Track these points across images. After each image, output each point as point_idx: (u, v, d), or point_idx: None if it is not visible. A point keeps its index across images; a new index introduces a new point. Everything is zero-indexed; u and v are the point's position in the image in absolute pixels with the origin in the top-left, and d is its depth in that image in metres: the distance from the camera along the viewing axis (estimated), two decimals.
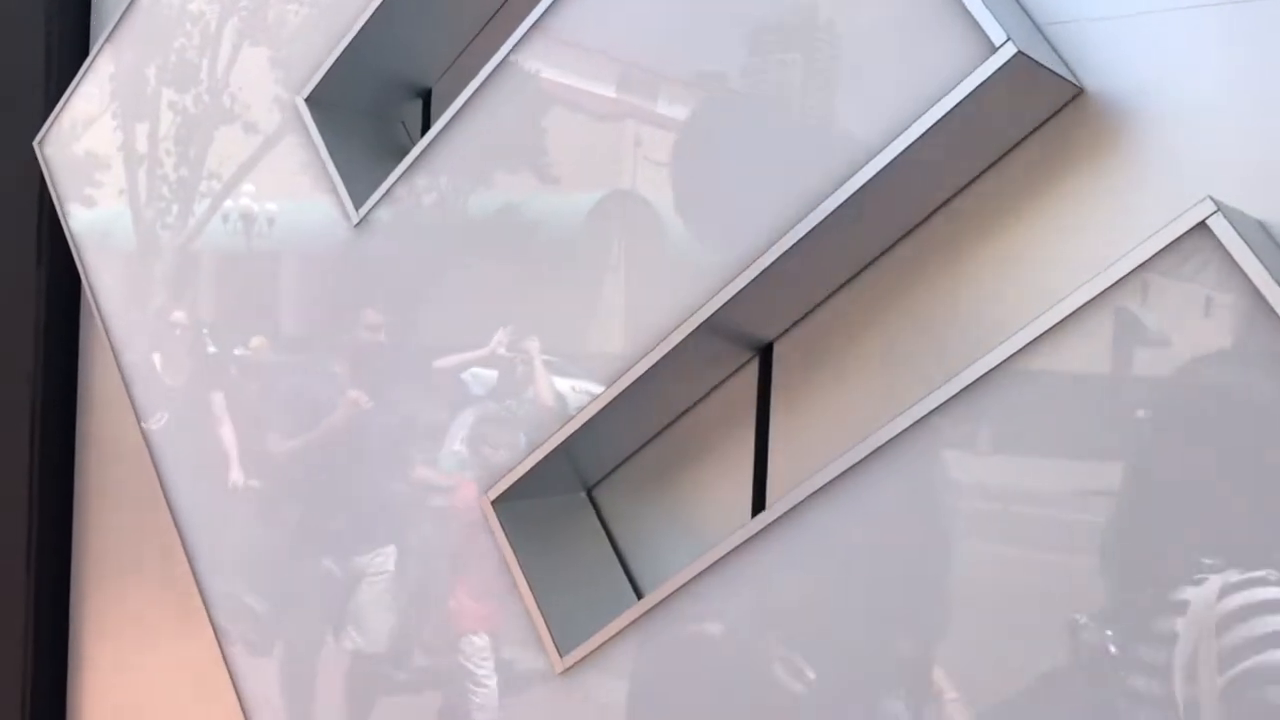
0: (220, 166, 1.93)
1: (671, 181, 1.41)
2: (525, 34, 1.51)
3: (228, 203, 1.92)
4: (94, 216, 2.16)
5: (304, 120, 1.80)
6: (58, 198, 2.18)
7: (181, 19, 2.01)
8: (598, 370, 1.45)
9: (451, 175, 1.62)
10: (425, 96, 1.91)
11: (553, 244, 1.52)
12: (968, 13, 1.19)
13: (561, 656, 1.47)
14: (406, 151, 1.85)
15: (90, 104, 2.15)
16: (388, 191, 1.68)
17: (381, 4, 1.70)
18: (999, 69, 1.17)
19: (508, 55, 1.53)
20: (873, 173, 1.24)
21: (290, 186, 1.84)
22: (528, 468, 1.52)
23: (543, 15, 1.50)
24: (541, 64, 1.51)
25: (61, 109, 2.20)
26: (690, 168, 1.40)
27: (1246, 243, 1.03)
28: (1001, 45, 1.17)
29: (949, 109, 1.20)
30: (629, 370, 1.42)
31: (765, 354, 1.53)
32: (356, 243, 1.72)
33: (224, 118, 1.94)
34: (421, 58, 1.84)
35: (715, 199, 1.38)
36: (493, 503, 1.55)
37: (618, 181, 1.45)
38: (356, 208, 1.72)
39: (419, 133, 1.91)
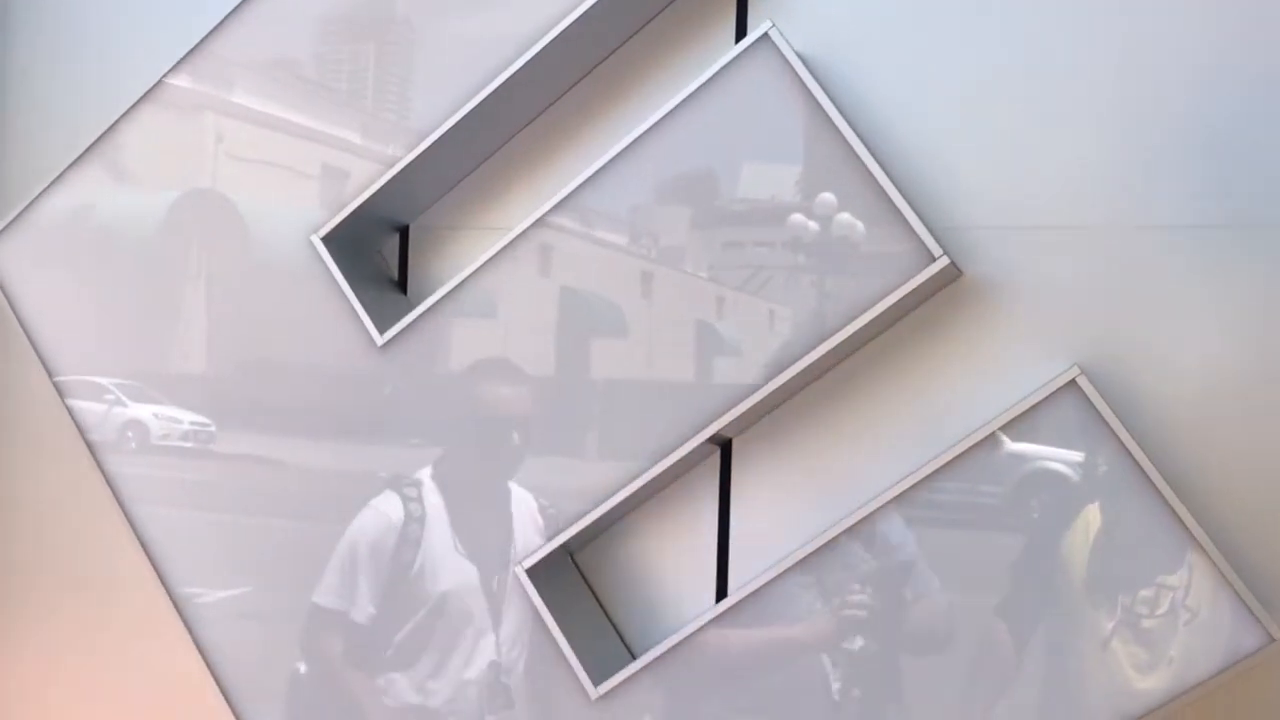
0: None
1: None
2: None
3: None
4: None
5: (322, 257, 2.15)
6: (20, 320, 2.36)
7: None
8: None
9: None
10: (403, 231, 2.30)
11: None
12: (911, 229, 1.80)
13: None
14: (389, 279, 2.27)
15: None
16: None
17: (410, 163, 2.09)
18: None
19: None
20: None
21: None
22: (559, 544, 1.99)
23: None
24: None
25: (18, 217, 2.38)
26: None
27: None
28: (939, 257, 1.78)
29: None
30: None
31: (725, 448, 2.06)
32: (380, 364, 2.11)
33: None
34: (411, 203, 2.24)
35: None
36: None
37: None
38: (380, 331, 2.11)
39: (397, 263, 2.30)
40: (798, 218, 1.88)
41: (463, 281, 2.08)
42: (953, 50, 1.94)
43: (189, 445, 2.28)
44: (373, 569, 2.09)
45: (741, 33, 2.04)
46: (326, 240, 2.16)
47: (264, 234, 2.23)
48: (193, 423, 2.27)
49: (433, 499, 2.08)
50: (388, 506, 2.09)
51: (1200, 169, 1.83)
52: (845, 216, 1.84)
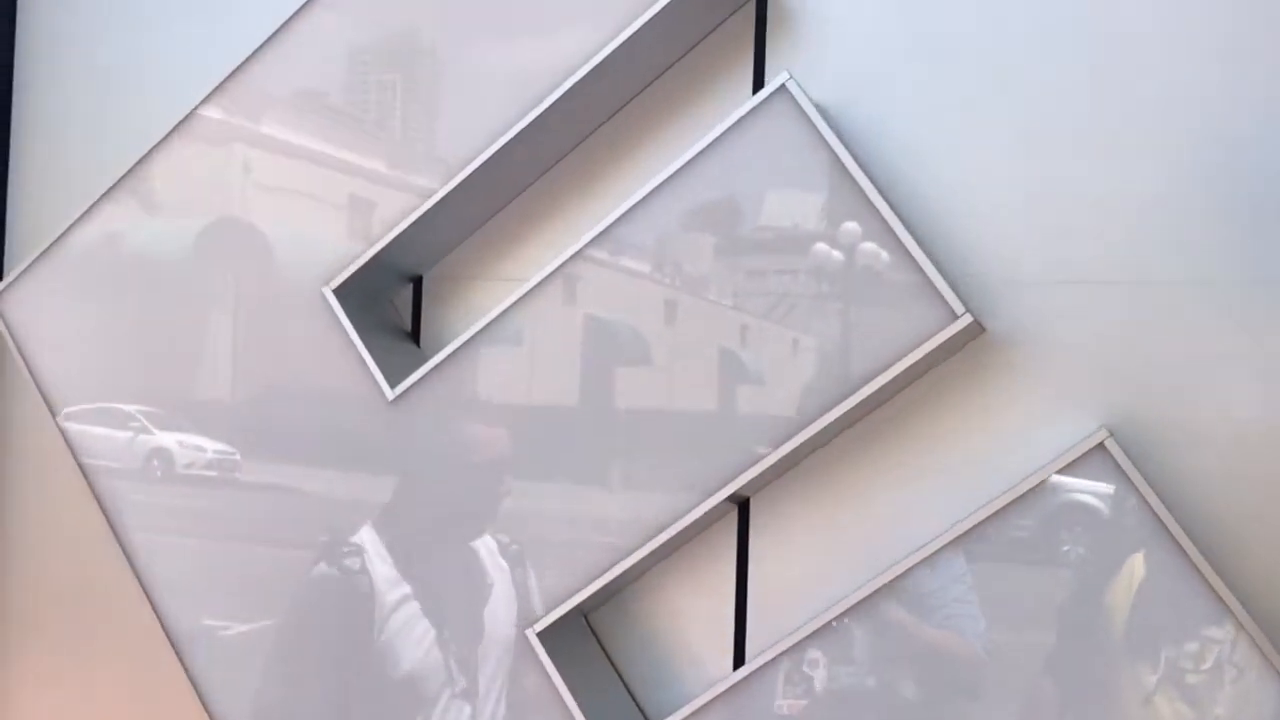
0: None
1: None
2: None
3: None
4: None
5: (334, 309, 2.12)
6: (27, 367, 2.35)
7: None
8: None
9: None
10: (416, 282, 2.27)
11: None
12: (933, 287, 1.75)
13: None
14: (401, 330, 2.23)
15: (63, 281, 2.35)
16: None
17: (424, 215, 2.06)
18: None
19: None
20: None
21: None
22: (575, 604, 1.94)
23: None
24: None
25: (24, 272, 2.37)
26: None
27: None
28: (961, 315, 1.73)
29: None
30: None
31: (744, 506, 2.01)
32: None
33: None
34: (425, 253, 2.21)
35: None
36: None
37: None
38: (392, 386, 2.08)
39: (410, 314, 2.27)
40: (821, 247, 1.83)
41: (476, 334, 2.04)
42: (976, 101, 1.90)
43: (213, 474, 2.25)
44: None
45: (759, 82, 2.00)
46: (339, 290, 2.13)
47: (282, 275, 2.19)
48: (216, 451, 2.24)
49: (428, 556, 2.04)
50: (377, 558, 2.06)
51: (1229, 224, 1.78)
52: (869, 246, 1.79)
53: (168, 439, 2.29)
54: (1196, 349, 1.79)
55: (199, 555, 2.24)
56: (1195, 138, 1.79)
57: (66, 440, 2.29)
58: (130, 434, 2.31)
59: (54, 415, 2.30)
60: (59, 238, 2.32)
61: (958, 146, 1.90)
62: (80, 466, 2.29)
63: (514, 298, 2.00)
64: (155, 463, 2.30)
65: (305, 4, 2.14)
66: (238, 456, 2.22)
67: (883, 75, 1.95)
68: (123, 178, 2.29)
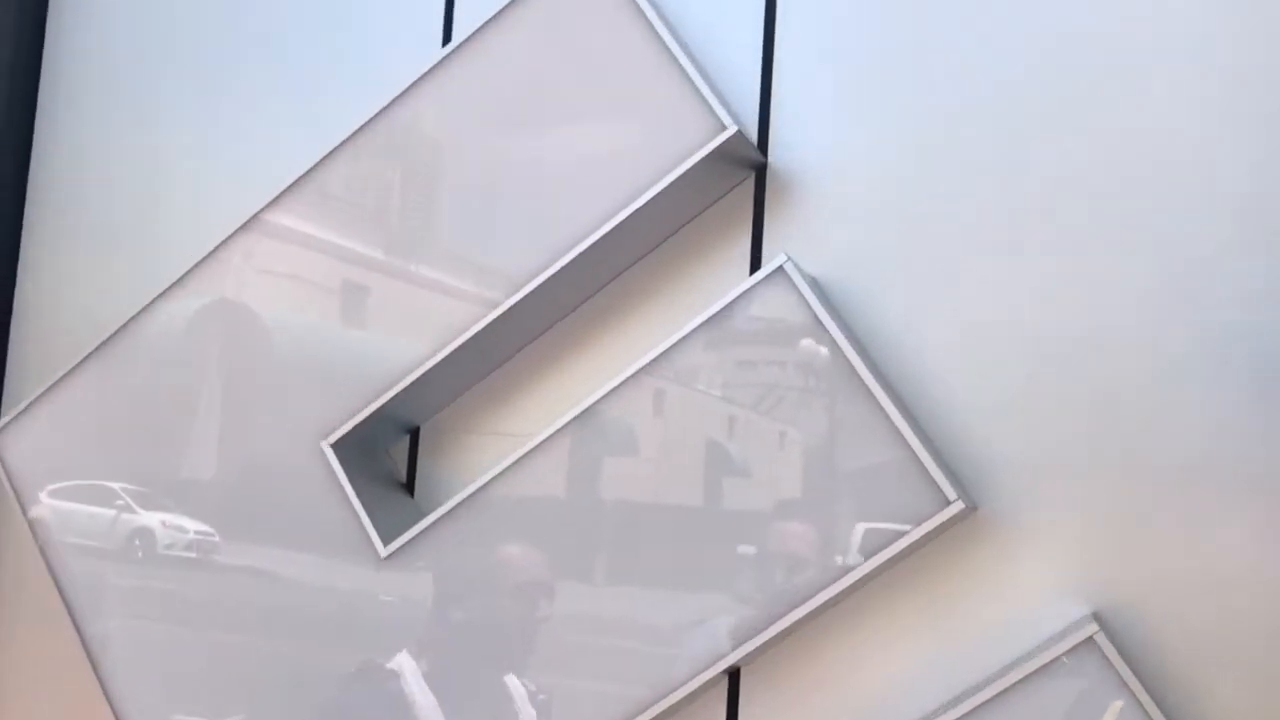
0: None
1: None
2: None
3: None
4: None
5: (331, 464, 2.14)
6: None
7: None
8: None
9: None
10: (413, 433, 2.29)
11: None
12: (927, 472, 1.77)
13: None
14: (397, 481, 2.25)
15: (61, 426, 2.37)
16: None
17: (428, 370, 2.09)
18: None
19: None
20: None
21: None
22: None
23: None
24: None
25: (23, 412, 2.39)
26: None
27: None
28: (954, 501, 1.75)
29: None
30: None
31: (734, 677, 2.01)
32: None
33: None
34: (425, 406, 2.23)
35: None
36: None
37: None
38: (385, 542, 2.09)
39: (405, 465, 2.29)
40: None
41: (469, 495, 2.05)
42: (972, 283, 1.93)
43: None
44: None
45: (756, 260, 2.04)
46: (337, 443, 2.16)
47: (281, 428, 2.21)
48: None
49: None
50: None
51: (1223, 409, 1.80)
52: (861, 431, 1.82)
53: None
54: (1190, 535, 1.80)
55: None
56: (1191, 327, 1.81)
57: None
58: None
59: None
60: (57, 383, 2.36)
61: (954, 324, 1.93)
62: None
63: (506, 463, 2.01)
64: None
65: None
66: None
67: (880, 249, 1.98)
68: (125, 325, 2.33)
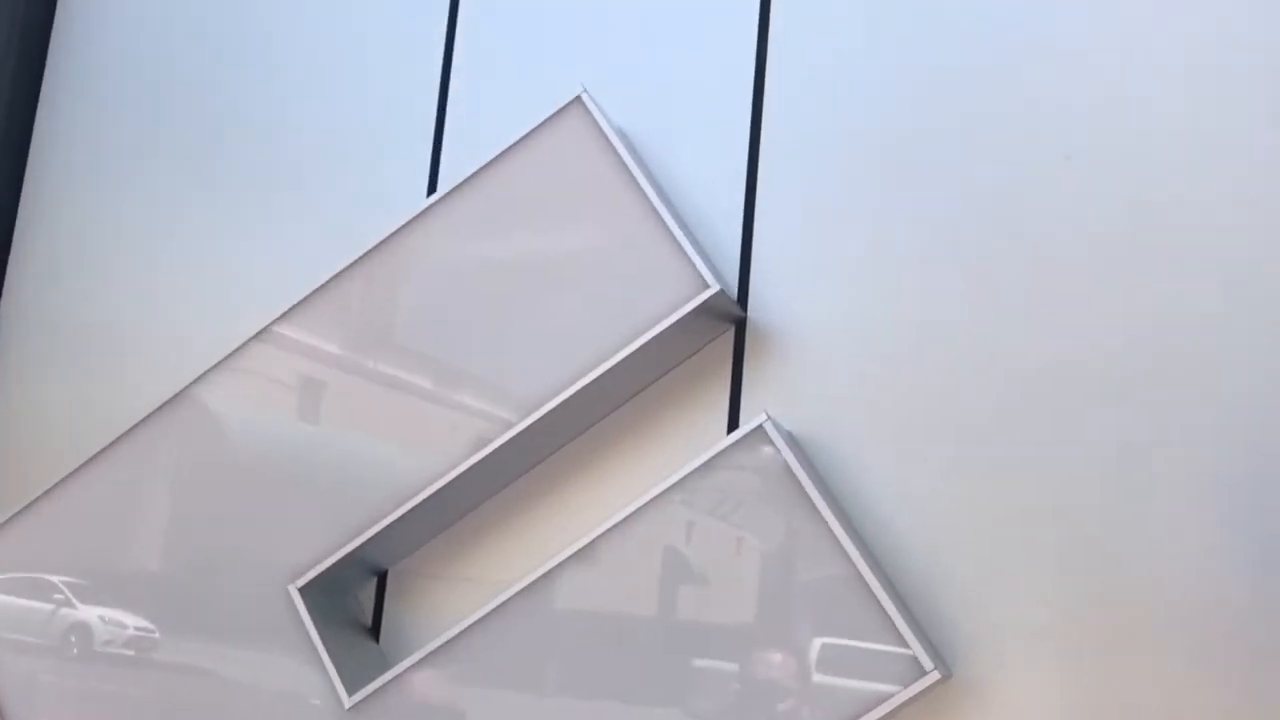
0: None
1: None
2: None
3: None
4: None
5: (298, 608, 2.10)
6: None
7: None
8: None
9: None
10: (381, 576, 2.25)
11: None
12: (903, 639, 1.76)
13: None
14: (363, 625, 2.21)
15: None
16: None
17: (399, 517, 2.07)
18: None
19: None
20: None
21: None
22: None
23: None
24: None
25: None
26: None
27: None
28: (930, 671, 1.74)
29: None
30: None
31: None
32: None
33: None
34: (395, 551, 2.20)
35: None
36: None
37: None
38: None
39: (371, 607, 2.25)
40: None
41: (438, 648, 2.02)
42: (950, 441, 1.93)
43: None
44: None
45: (735, 411, 2.05)
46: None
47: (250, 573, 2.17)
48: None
49: None
50: None
51: (1195, 572, 1.79)
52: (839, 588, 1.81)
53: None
54: (1155, 700, 1.78)
55: None
56: (1186, 491, 1.81)
57: None
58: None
59: None
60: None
61: (933, 481, 1.92)
62: None
63: (474, 617, 1.99)
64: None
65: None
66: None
67: (858, 403, 1.99)
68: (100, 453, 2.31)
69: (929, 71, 2.04)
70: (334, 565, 2.12)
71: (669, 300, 1.97)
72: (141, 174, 2.63)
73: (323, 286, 2.18)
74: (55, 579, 2.28)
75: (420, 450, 2.10)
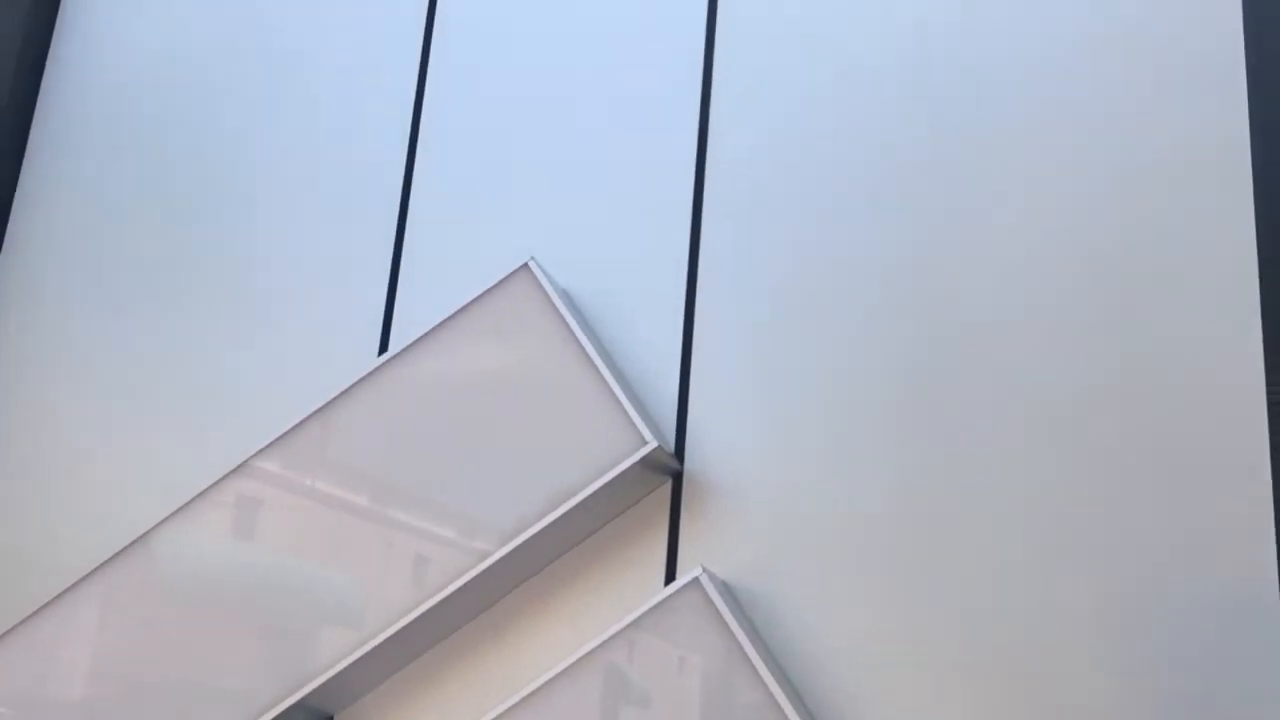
0: None
1: None
2: None
3: None
4: None
5: None
6: None
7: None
8: None
9: None
10: None
11: None
12: None
13: None
14: None
15: None
16: None
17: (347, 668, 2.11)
18: None
19: None
20: None
21: None
22: None
23: None
24: None
25: None
26: None
27: None
28: None
29: None
30: None
31: None
32: None
33: None
34: (341, 697, 2.24)
35: None
36: None
37: None
38: None
39: None
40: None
41: None
42: (887, 595, 1.99)
43: None
44: None
45: (672, 562, 2.13)
46: None
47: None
48: None
49: None
50: None
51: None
52: None
53: None
54: None
55: None
56: (1141, 646, 1.86)
57: None
58: None
59: None
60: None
61: (869, 636, 1.99)
62: None
63: None
64: None
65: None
66: None
67: (795, 556, 2.06)
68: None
69: (864, 230, 2.19)
70: (283, 714, 2.16)
71: (609, 456, 2.07)
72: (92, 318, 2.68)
73: (278, 440, 2.25)
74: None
75: (367, 602, 2.15)
